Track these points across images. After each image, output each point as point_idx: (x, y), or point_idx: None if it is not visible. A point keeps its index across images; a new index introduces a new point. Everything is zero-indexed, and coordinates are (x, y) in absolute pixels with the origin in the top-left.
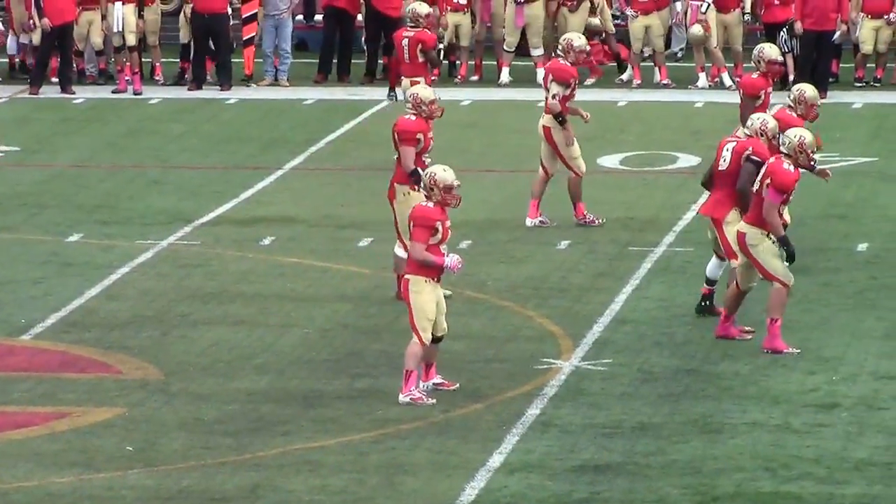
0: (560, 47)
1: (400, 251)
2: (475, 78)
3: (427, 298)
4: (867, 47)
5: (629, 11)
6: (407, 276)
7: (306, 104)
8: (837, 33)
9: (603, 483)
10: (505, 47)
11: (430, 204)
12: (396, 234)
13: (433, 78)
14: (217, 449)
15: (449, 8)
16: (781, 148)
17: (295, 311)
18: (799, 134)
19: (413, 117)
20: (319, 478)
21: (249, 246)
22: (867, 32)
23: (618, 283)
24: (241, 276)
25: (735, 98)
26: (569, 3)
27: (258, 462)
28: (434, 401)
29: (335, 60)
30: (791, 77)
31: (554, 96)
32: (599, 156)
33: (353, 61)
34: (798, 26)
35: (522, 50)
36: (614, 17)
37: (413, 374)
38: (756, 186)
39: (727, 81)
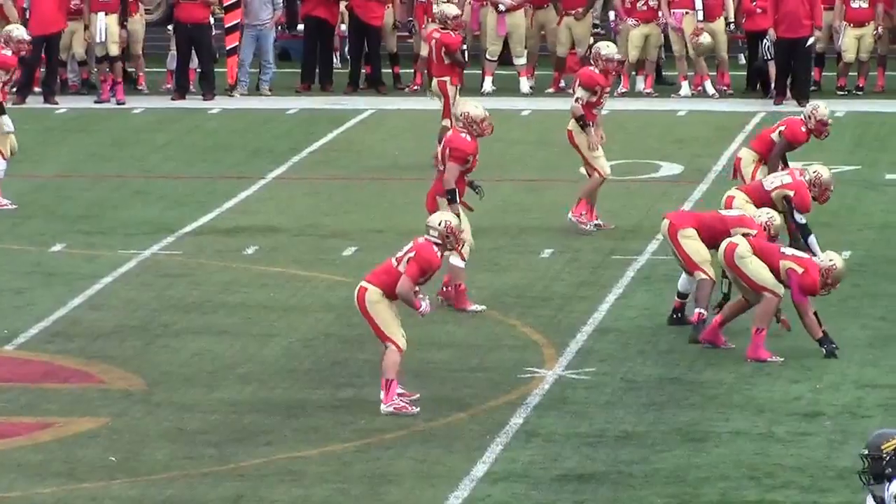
0: (591, 55)
1: (455, 259)
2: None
3: (384, 307)
4: (849, 56)
5: (630, 21)
6: (365, 286)
7: (289, 114)
8: (811, 39)
9: (587, 492)
10: (487, 56)
11: (436, 249)
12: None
13: (458, 80)
14: (200, 459)
15: (429, 19)
16: (819, 262)
17: (278, 320)
18: (833, 259)
19: (468, 136)
20: (302, 488)
21: (233, 256)
22: (849, 41)
23: (601, 292)
24: (225, 286)
25: (718, 106)
26: (574, 12)
27: (241, 472)
28: (417, 409)
29: (317, 70)
30: (772, 85)
31: (577, 100)
32: (582, 164)
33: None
34: (771, 33)
35: (506, 59)
36: (595, 25)
37: (394, 383)
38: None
39: (710, 90)
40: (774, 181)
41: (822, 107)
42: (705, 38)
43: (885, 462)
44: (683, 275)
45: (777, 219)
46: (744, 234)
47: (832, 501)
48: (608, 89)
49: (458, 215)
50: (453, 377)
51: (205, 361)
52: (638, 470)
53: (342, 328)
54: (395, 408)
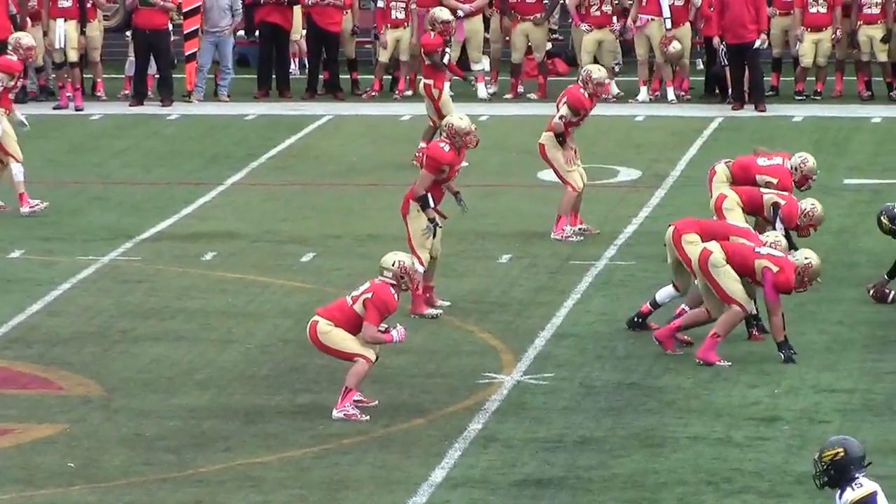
0: (580, 77)
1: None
2: (410, 93)
3: (337, 331)
4: (807, 61)
5: (583, 26)
6: (316, 319)
7: (248, 119)
8: (758, 42)
9: (545, 497)
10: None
11: (392, 290)
12: (410, 249)
13: (442, 83)
14: (159, 465)
15: (388, 25)
16: (795, 261)
17: (236, 326)
18: (809, 258)
19: (447, 146)
20: (261, 493)
21: (191, 261)
22: (807, 46)
23: (559, 297)
24: (183, 292)
25: (676, 111)
26: (532, 17)
27: (200, 478)
28: (368, 417)
29: (273, 76)
30: (729, 90)
31: (561, 118)
32: (540, 169)
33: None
34: (716, 41)
35: (464, 64)
36: (552, 31)
37: (352, 392)
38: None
39: (670, 95)
40: (772, 192)
41: (810, 161)
42: (675, 46)
43: (820, 470)
44: (668, 288)
45: (783, 242)
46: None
47: None
48: (591, 112)
49: (432, 220)
50: (411, 383)
51: (163, 367)
52: (596, 475)
53: (300, 334)
54: (345, 414)
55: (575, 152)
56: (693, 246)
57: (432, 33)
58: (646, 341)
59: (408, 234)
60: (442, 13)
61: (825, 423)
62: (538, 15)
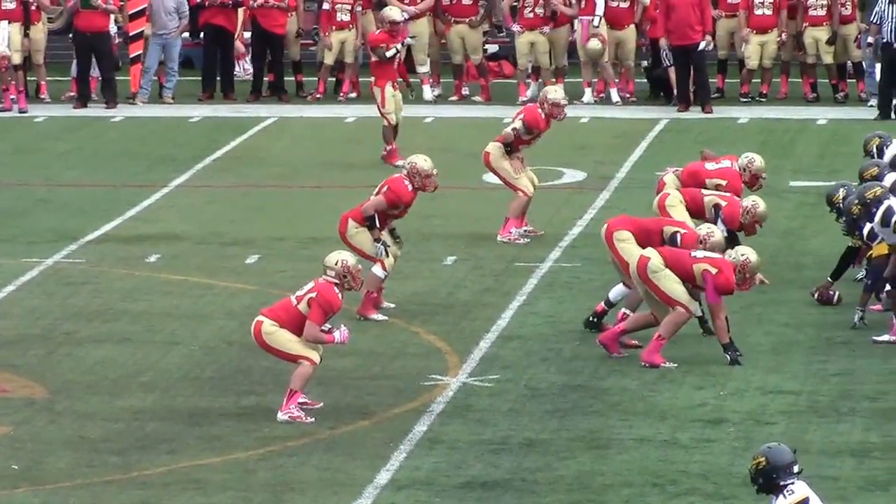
0: (538, 98)
1: (377, 269)
2: (354, 95)
3: (282, 332)
4: (752, 63)
5: (515, 27)
6: (261, 319)
7: (192, 121)
8: (702, 43)
9: (490, 499)
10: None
11: (336, 290)
12: (368, 259)
13: (383, 82)
14: (103, 467)
15: (333, 27)
16: (732, 259)
17: (181, 328)
18: (745, 253)
19: (410, 185)
20: (206, 496)
21: (135, 263)
22: (753, 48)
23: (504, 299)
24: (127, 294)
25: (621, 113)
26: (468, 20)
27: (144, 480)
28: (313, 419)
29: (218, 78)
30: (674, 92)
31: (514, 130)
32: (486, 172)
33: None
34: (663, 42)
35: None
36: (497, 31)
37: (297, 394)
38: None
39: (614, 97)
40: (713, 194)
41: (757, 160)
42: (592, 44)
43: (751, 478)
44: (619, 286)
45: (716, 235)
46: (673, 235)
47: None
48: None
49: (378, 241)
50: (356, 385)
51: (107, 369)
52: (542, 477)
53: (244, 336)
54: (290, 416)
55: (522, 161)
56: (625, 244)
57: (377, 30)
58: (591, 343)
59: (359, 252)
60: (391, 12)
61: (771, 425)
62: (473, 18)
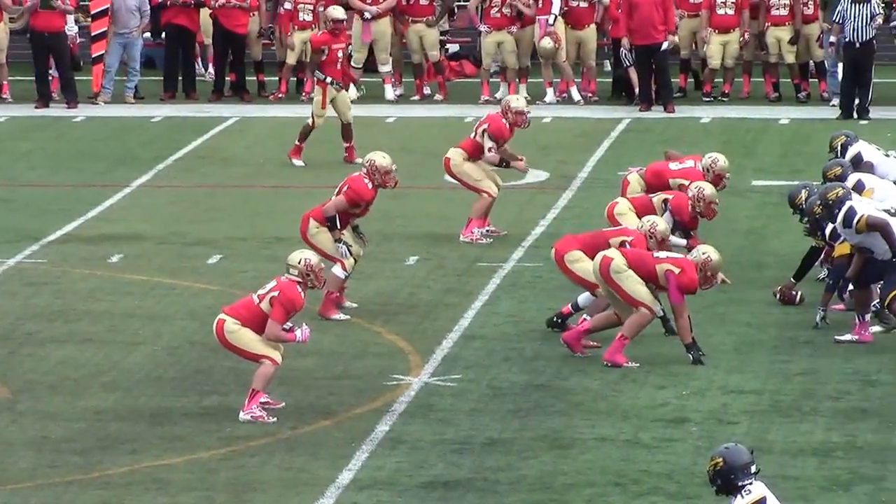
0: (501, 107)
1: (337, 269)
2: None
3: (244, 331)
4: (715, 62)
5: (483, 27)
6: (223, 317)
7: (154, 121)
8: (665, 44)
9: (453, 499)
10: (353, 63)
11: (299, 288)
12: (330, 259)
13: (356, 81)
14: (65, 467)
15: (295, 27)
16: (694, 259)
17: (143, 328)
18: (707, 251)
19: (370, 183)
20: (168, 496)
21: (97, 264)
22: (715, 48)
23: (467, 299)
24: (89, 294)
25: (583, 113)
26: (425, 19)
27: (106, 480)
28: (275, 419)
29: (180, 78)
30: (636, 91)
31: (490, 149)
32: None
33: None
34: (625, 42)
35: (371, 66)
36: (452, 30)
37: (259, 394)
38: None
39: (576, 96)
40: (660, 193)
41: (721, 160)
42: (544, 42)
43: (709, 479)
44: (587, 293)
45: (660, 224)
46: (621, 243)
47: None
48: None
49: (339, 241)
50: (318, 385)
51: (69, 369)
52: (504, 477)
53: (207, 336)
54: (252, 416)
55: (502, 156)
56: (578, 264)
57: (319, 31)
58: (553, 343)
59: (321, 252)
60: (335, 11)
61: (733, 425)
62: (429, 17)
